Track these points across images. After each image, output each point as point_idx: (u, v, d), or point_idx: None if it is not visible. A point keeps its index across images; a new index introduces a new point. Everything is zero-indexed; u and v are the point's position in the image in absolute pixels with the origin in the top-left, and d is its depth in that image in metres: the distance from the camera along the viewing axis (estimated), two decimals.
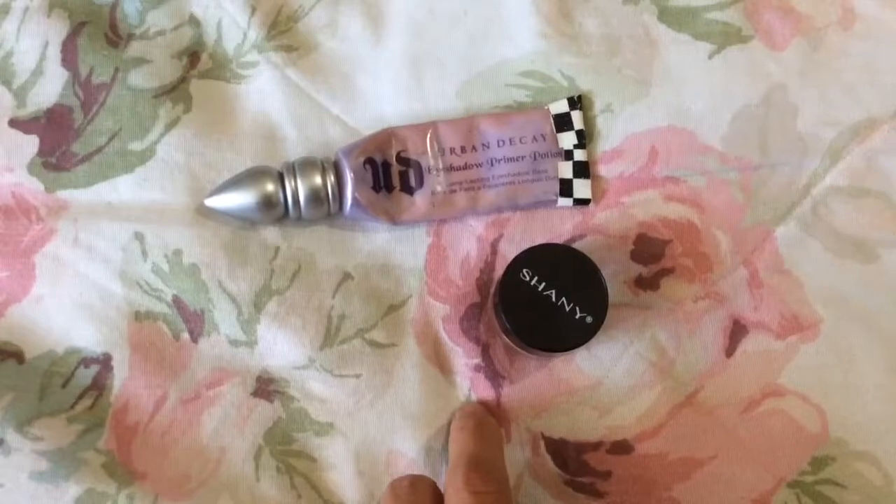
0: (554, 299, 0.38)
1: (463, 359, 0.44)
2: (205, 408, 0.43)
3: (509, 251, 0.44)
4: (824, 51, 0.45)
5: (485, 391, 0.43)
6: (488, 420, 0.42)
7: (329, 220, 0.45)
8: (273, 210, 0.43)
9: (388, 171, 0.43)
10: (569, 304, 0.38)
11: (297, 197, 0.42)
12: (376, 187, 0.43)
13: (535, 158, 0.44)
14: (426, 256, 0.45)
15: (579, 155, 0.44)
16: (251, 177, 0.43)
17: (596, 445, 0.43)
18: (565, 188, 0.44)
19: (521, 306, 0.39)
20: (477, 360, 0.44)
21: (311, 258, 0.44)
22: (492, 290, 0.44)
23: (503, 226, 0.45)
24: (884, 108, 0.45)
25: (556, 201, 0.44)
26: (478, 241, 0.45)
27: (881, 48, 0.45)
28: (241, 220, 0.44)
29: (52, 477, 0.41)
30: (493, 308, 0.42)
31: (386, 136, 0.44)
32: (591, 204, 0.44)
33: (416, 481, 0.38)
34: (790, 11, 0.46)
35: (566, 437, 0.43)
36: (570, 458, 0.43)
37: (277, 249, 0.44)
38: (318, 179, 0.42)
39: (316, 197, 0.42)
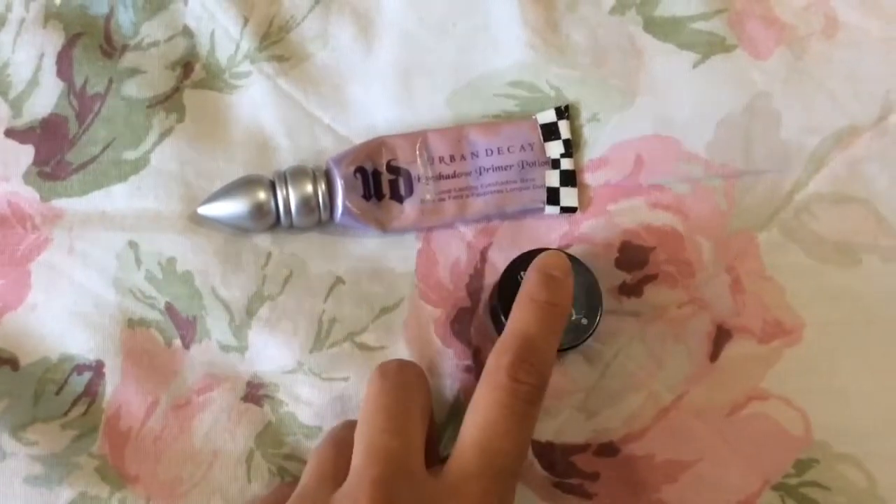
0: None
1: (454, 360, 0.44)
2: (196, 413, 0.43)
3: (498, 259, 0.45)
4: (808, 59, 0.46)
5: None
6: (564, 293, 0.38)
7: (320, 227, 0.45)
8: (265, 218, 0.43)
9: (378, 180, 0.44)
10: None
11: (289, 205, 0.43)
12: (367, 196, 0.44)
13: (522, 167, 0.45)
14: (416, 261, 0.45)
15: (566, 164, 0.45)
16: (243, 186, 0.43)
17: (583, 447, 0.43)
18: (552, 196, 0.45)
19: None
20: (468, 362, 0.44)
21: (302, 264, 0.45)
22: (484, 297, 0.45)
23: (492, 234, 0.45)
24: (866, 116, 0.45)
25: (543, 209, 0.45)
26: (467, 247, 0.45)
27: (864, 57, 0.46)
28: (234, 228, 0.44)
29: (45, 481, 0.41)
30: (487, 312, 0.42)
31: (376, 145, 0.44)
32: (578, 212, 0.45)
33: (405, 364, 0.38)
34: (774, 21, 0.46)
35: (552, 439, 0.43)
36: (557, 460, 0.43)
37: (269, 255, 0.45)
38: (309, 188, 0.43)
39: (307, 205, 0.43)
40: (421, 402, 0.37)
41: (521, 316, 0.37)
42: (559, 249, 0.42)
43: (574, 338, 0.39)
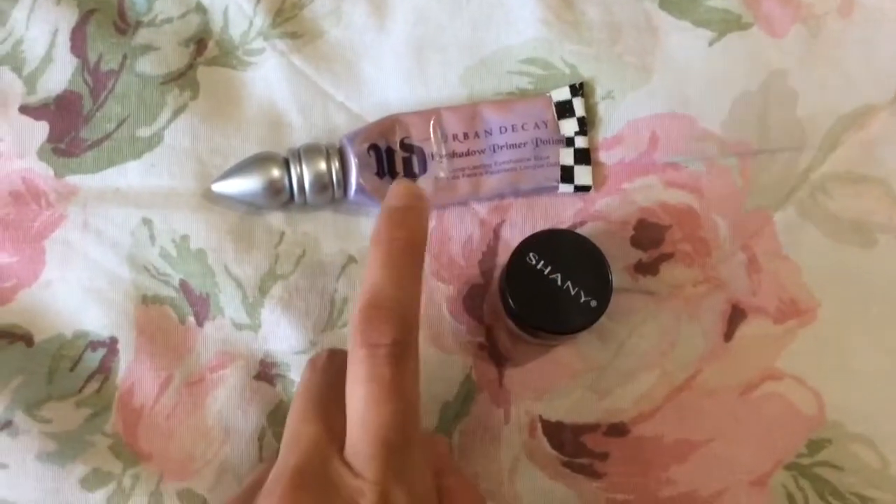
0: (559, 283, 0.39)
1: (466, 336, 0.44)
2: (209, 390, 0.43)
3: (512, 237, 0.45)
4: (823, 38, 0.46)
5: (487, 371, 0.44)
6: (410, 233, 0.35)
7: (333, 205, 0.45)
8: (278, 195, 0.43)
9: (391, 157, 0.44)
10: (574, 288, 0.39)
11: (303, 182, 0.43)
12: (380, 173, 0.44)
13: (536, 145, 0.45)
14: (429, 239, 0.45)
15: (580, 142, 0.45)
16: (257, 163, 0.43)
17: (593, 427, 0.43)
18: (566, 174, 0.45)
19: (528, 289, 0.39)
20: (481, 339, 0.44)
21: (315, 243, 0.45)
22: (496, 275, 0.45)
23: (505, 211, 0.45)
24: (882, 95, 0.45)
25: (557, 187, 0.45)
26: (480, 224, 0.45)
27: (880, 36, 0.46)
28: (247, 205, 0.44)
29: (58, 458, 0.42)
30: (498, 292, 0.42)
31: (390, 123, 0.44)
32: (592, 190, 0.45)
33: (334, 352, 0.38)
34: None
35: (563, 419, 0.43)
36: (566, 440, 0.43)
37: (283, 234, 0.45)
38: (322, 165, 0.43)
39: (320, 182, 0.43)
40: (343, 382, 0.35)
41: (368, 268, 0.34)
42: (557, 228, 0.41)
43: (583, 320, 0.39)
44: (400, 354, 0.32)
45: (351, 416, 0.32)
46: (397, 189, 0.36)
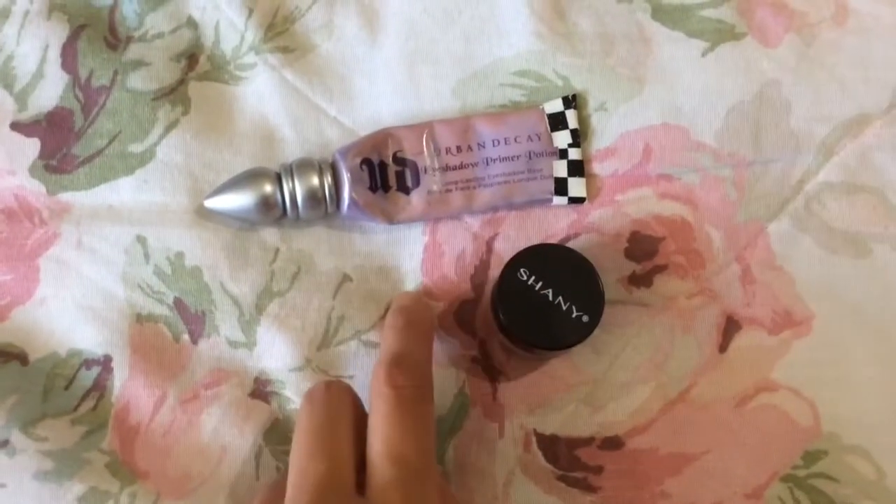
0: (551, 298, 0.39)
1: (459, 350, 0.44)
2: (203, 408, 0.43)
3: (505, 250, 0.45)
4: (817, 47, 0.45)
5: (481, 385, 0.44)
6: (420, 316, 0.42)
7: (327, 220, 0.45)
8: (271, 211, 0.43)
9: (384, 172, 0.44)
10: (565, 304, 0.39)
11: (295, 198, 0.43)
12: (373, 187, 0.44)
13: (529, 158, 0.45)
14: (422, 256, 0.45)
15: (574, 154, 0.45)
16: (249, 178, 0.43)
17: (587, 441, 0.43)
18: (560, 187, 0.45)
19: (519, 305, 0.39)
20: (474, 353, 0.44)
21: (310, 260, 0.45)
22: (488, 289, 0.44)
23: (499, 224, 0.45)
24: (877, 104, 0.45)
25: (551, 200, 0.45)
26: (473, 238, 0.45)
27: (874, 44, 0.45)
28: (240, 221, 0.44)
29: (56, 476, 0.42)
30: (490, 307, 0.42)
31: (382, 137, 0.44)
32: (586, 202, 0.45)
33: (331, 384, 0.39)
34: (783, 8, 0.46)
35: (558, 432, 0.43)
36: (561, 453, 0.43)
37: (277, 251, 0.45)
38: (315, 180, 0.43)
39: (313, 198, 0.43)
40: (349, 418, 0.37)
41: (385, 343, 0.40)
42: (548, 242, 0.41)
43: (575, 335, 0.39)
44: (420, 397, 0.37)
45: (375, 447, 0.35)
46: (405, 295, 0.44)
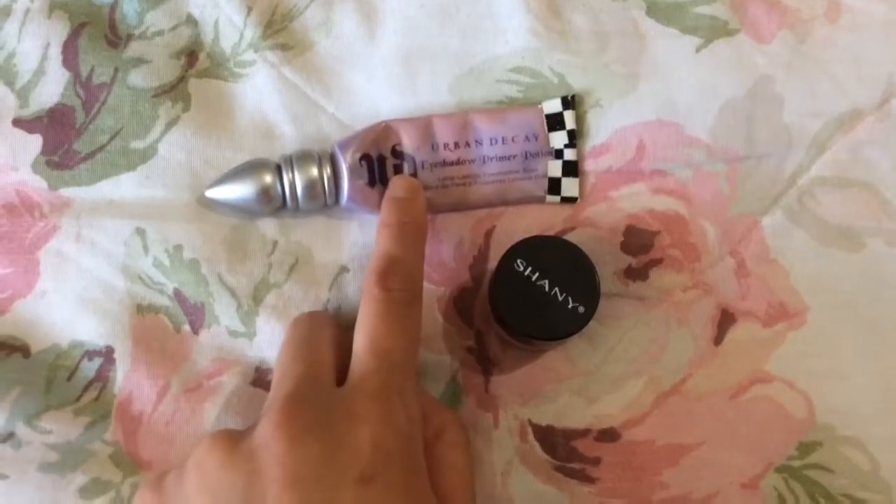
0: (547, 289, 0.39)
1: (455, 339, 0.45)
2: (206, 397, 0.44)
3: (502, 242, 0.45)
4: (810, 43, 0.46)
5: (473, 374, 0.44)
6: (414, 214, 0.42)
7: (325, 211, 0.46)
8: (271, 202, 0.44)
9: (382, 166, 0.44)
10: (561, 295, 0.39)
11: (295, 189, 0.43)
12: (371, 182, 0.44)
13: (525, 157, 0.45)
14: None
15: (569, 154, 0.45)
16: (250, 169, 0.44)
17: (584, 432, 0.44)
18: (553, 186, 0.45)
19: (515, 296, 0.39)
20: (470, 342, 0.45)
21: (308, 252, 0.45)
22: (485, 281, 0.45)
23: (496, 217, 0.45)
24: (869, 100, 0.45)
25: (544, 198, 0.45)
26: (471, 230, 0.46)
27: (867, 40, 0.46)
28: (240, 211, 0.45)
29: (59, 468, 0.42)
30: (487, 298, 0.42)
31: (382, 130, 0.45)
32: (579, 200, 0.45)
33: (313, 312, 0.43)
34: (776, 4, 0.46)
35: (553, 423, 0.44)
36: (558, 444, 0.44)
37: (275, 244, 0.45)
38: (314, 172, 0.43)
39: (312, 189, 0.43)
40: (329, 333, 0.40)
41: (379, 242, 0.41)
42: (545, 234, 0.42)
43: (571, 326, 0.39)
44: (409, 299, 0.38)
45: (359, 342, 0.37)
46: (400, 183, 0.44)
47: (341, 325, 0.41)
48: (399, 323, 0.37)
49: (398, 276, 0.38)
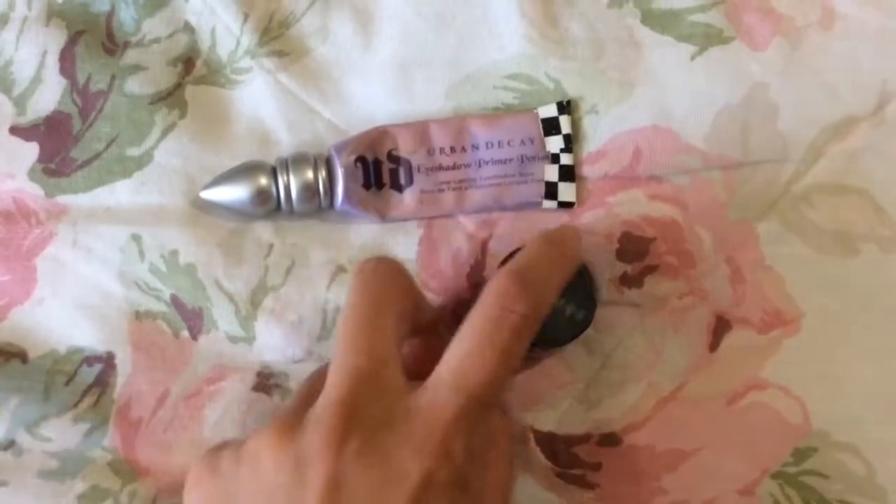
0: None
1: None
2: (206, 403, 0.44)
3: (499, 250, 0.45)
4: (805, 50, 0.46)
5: None
6: (573, 253, 0.39)
7: (321, 214, 0.46)
8: (266, 203, 0.44)
9: (378, 169, 0.45)
10: (560, 301, 0.39)
11: (290, 191, 0.43)
12: (367, 185, 0.44)
13: (522, 161, 0.45)
14: (417, 248, 0.46)
15: (565, 159, 0.45)
16: (245, 171, 0.44)
17: (585, 438, 0.44)
18: (550, 191, 0.45)
19: None
20: None
21: (304, 253, 0.45)
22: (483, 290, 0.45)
23: (493, 225, 0.46)
24: (864, 107, 0.45)
25: (540, 203, 0.45)
26: (468, 238, 0.46)
27: (861, 47, 0.46)
28: (235, 213, 0.45)
29: (59, 475, 0.42)
30: None
31: (378, 134, 0.45)
32: (576, 205, 0.45)
33: (380, 264, 0.37)
34: (770, 12, 0.46)
35: (554, 430, 0.44)
36: (559, 450, 0.44)
37: (271, 246, 0.45)
38: (309, 175, 0.43)
39: (307, 192, 0.44)
40: (396, 305, 0.36)
41: (531, 248, 0.38)
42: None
43: (569, 333, 0.39)
44: (523, 329, 0.35)
45: (450, 361, 0.34)
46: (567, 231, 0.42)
47: (415, 286, 0.38)
48: (500, 357, 0.34)
49: (527, 297, 0.35)
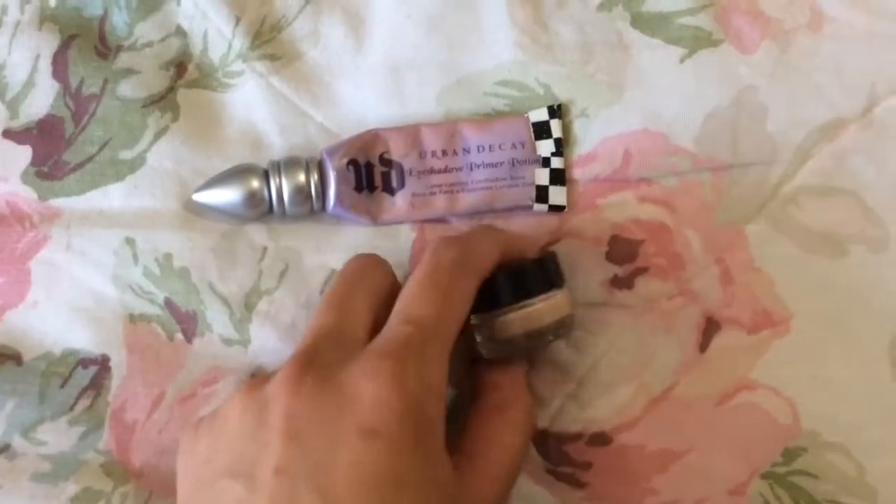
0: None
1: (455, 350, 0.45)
2: (201, 405, 0.44)
3: None
4: (793, 53, 0.46)
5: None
6: (509, 238, 0.42)
7: (314, 217, 0.46)
8: (258, 206, 0.44)
9: (370, 172, 0.45)
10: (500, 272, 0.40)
11: (282, 194, 0.44)
12: (359, 188, 0.44)
13: (513, 165, 0.45)
14: (411, 251, 0.46)
15: (556, 163, 0.45)
16: (237, 174, 0.44)
17: (575, 437, 0.44)
18: (541, 194, 0.45)
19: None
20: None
21: (297, 256, 0.46)
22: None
23: None
24: (852, 109, 0.46)
25: (531, 206, 0.45)
26: None
27: (849, 50, 0.46)
28: (228, 216, 0.45)
29: (52, 478, 0.42)
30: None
31: (370, 137, 0.45)
32: (566, 208, 0.46)
33: (361, 256, 0.41)
34: (759, 15, 0.46)
35: (547, 427, 0.44)
36: (551, 447, 0.44)
37: (265, 250, 0.45)
38: (301, 178, 0.44)
39: (299, 195, 0.44)
40: (369, 284, 0.39)
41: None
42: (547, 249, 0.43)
43: (540, 285, 0.40)
44: (458, 272, 0.37)
45: (396, 305, 0.37)
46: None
47: (393, 275, 0.41)
48: (439, 292, 0.37)
49: (454, 249, 0.38)
